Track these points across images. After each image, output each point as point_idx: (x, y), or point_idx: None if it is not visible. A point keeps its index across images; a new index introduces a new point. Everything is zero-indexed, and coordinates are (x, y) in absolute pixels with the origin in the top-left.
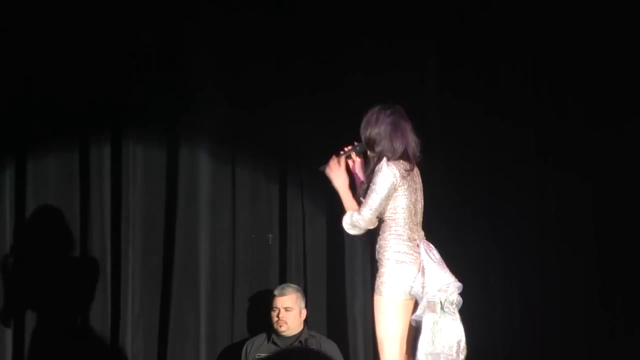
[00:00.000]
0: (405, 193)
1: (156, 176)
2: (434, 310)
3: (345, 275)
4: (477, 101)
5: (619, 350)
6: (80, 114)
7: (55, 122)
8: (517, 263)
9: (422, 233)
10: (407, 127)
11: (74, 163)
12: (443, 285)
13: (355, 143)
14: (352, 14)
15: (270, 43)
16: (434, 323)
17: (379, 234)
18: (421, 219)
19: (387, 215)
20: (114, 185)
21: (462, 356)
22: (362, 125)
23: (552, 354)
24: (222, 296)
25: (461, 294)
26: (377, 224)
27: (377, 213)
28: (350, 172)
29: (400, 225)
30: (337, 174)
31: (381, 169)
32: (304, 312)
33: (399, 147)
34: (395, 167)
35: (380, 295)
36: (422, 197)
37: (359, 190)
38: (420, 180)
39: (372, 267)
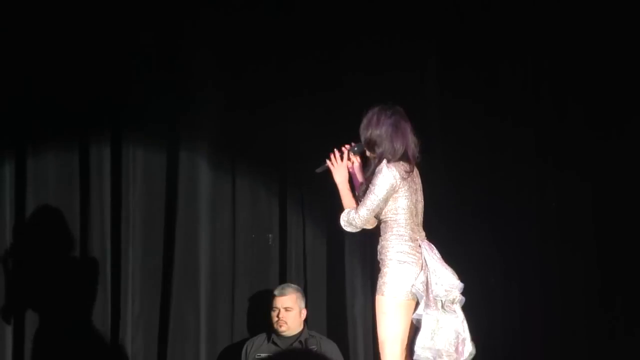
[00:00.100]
0: (406, 194)
1: (156, 176)
2: (436, 308)
3: (345, 275)
4: (477, 101)
5: (619, 350)
6: (80, 114)
7: (55, 122)
8: (517, 263)
9: (423, 233)
10: (408, 128)
11: (74, 163)
12: (448, 286)
13: (353, 144)
14: (352, 14)
15: (270, 43)
16: (434, 321)
17: (380, 235)
18: (422, 220)
19: (389, 216)
20: (114, 185)
21: (467, 354)
22: (362, 125)
23: (552, 354)
24: (222, 296)
25: (462, 294)
26: (375, 224)
27: (374, 213)
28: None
29: (402, 226)
30: (338, 170)
31: (381, 170)
32: (304, 312)
33: (399, 148)
34: (395, 169)
35: (382, 295)
36: (423, 198)
37: (358, 191)
38: (420, 181)
39: (372, 267)
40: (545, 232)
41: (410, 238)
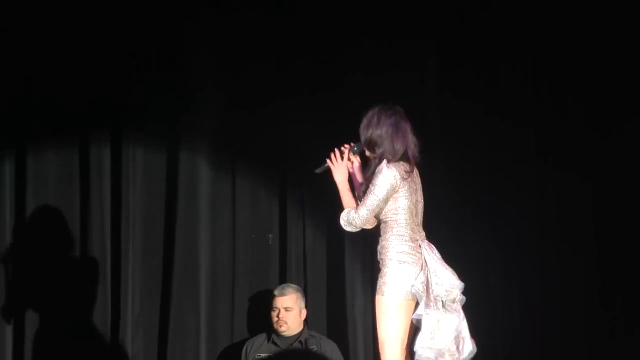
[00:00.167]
0: (406, 194)
1: (156, 176)
2: (436, 308)
3: (345, 275)
4: (477, 101)
5: (619, 350)
6: (80, 114)
7: (55, 122)
8: (517, 263)
9: (423, 233)
10: (408, 129)
11: (74, 163)
12: (448, 286)
13: (352, 144)
14: (352, 14)
15: (270, 43)
16: (435, 321)
17: (380, 235)
18: (422, 220)
19: (389, 216)
20: (114, 185)
21: (467, 353)
22: (362, 126)
23: (552, 353)
24: (222, 296)
25: (462, 293)
26: (374, 224)
27: (373, 213)
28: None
29: (402, 226)
30: (338, 169)
31: (381, 170)
32: (304, 312)
33: (399, 148)
34: (395, 169)
35: (382, 295)
36: (422, 198)
37: (358, 191)
38: (420, 181)
39: (372, 267)
40: (545, 232)
41: (411, 238)
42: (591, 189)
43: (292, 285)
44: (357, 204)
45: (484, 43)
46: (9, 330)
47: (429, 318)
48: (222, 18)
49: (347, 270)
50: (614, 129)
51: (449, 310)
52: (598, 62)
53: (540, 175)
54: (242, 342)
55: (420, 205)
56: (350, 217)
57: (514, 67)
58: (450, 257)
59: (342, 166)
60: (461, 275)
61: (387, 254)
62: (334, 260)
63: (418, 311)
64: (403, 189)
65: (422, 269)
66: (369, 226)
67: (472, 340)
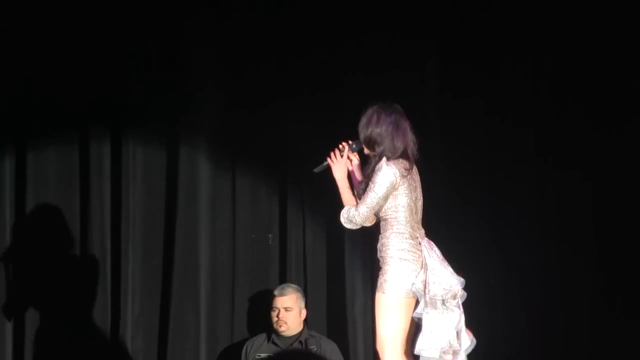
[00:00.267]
0: (406, 192)
1: (156, 176)
2: (435, 307)
3: (345, 275)
4: (477, 101)
5: (621, 349)
6: (80, 114)
7: (56, 122)
8: (517, 263)
9: (422, 231)
10: (407, 127)
11: (74, 163)
12: (446, 285)
13: (350, 142)
14: (351, 14)
15: (270, 43)
16: (435, 320)
17: (380, 233)
18: (421, 217)
19: (389, 214)
20: (114, 185)
21: (464, 346)
22: (362, 124)
23: (553, 353)
24: (222, 296)
25: (463, 289)
26: (374, 221)
27: (373, 211)
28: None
29: (402, 224)
30: (337, 166)
31: (381, 168)
32: (304, 312)
33: (399, 146)
34: (395, 167)
35: (383, 293)
36: (422, 195)
37: (358, 189)
38: (419, 179)
39: (372, 267)
40: (545, 232)
41: (411, 236)
42: (591, 189)
43: (292, 285)
44: (357, 202)
45: (484, 43)
46: (9, 329)
47: (429, 317)
48: (222, 18)
49: (347, 270)
50: (614, 129)
51: (449, 308)
52: (598, 62)
53: (540, 174)
54: (242, 342)
55: (420, 203)
56: (350, 214)
57: (514, 67)
58: (450, 257)
59: (341, 164)
60: (461, 275)
61: (388, 251)
62: (334, 259)
63: (418, 310)
64: (403, 187)
65: (422, 267)
66: (368, 224)
67: (469, 332)
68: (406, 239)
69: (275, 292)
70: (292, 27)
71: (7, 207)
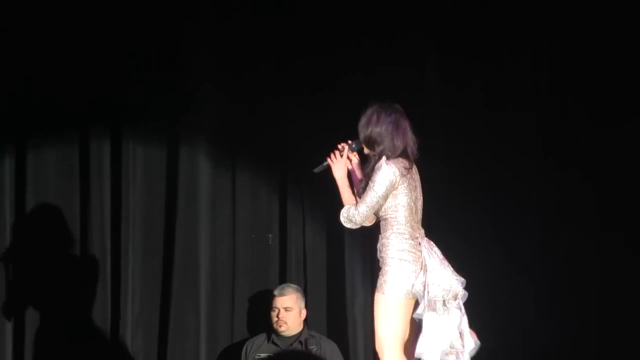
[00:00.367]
0: (406, 191)
1: (156, 176)
2: (434, 309)
3: (345, 275)
4: (478, 95)
5: (624, 349)
6: (80, 114)
7: (55, 122)
8: (520, 258)
9: (422, 231)
10: (407, 126)
11: (74, 163)
12: (446, 285)
13: (350, 141)
14: (351, 13)
15: (270, 43)
16: (435, 321)
17: (380, 233)
18: (421, 217)
19: (389, 213)
20: (114, 185)
21: (468, 348)
22: (362, 123)
23: (553, 353)
24: (222, 296)
25: (465, 288)
26: (374, 221)
27: (373, 210)
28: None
29: (402, 224)
30: (337, 166)
31: (381, 167)
32: (304, 312)
33: (399, 145)
34: (395, 166)
35: (383, 293)
36: (422, 195)
37: (357, 188)
38: (419, 178)
39: (372, 267)
40: (548, 228)
41: (411, 236)
42: (593, 183)
43: (292, 285)
44: (357, 201)
45: (486, 38)
46: (9, 329)
47: (429, 320)
48: (222, 18)
49: (347, 270)
50: (616, 129)
51: (449, 309)
52: (600, 60)
53: (542, 168)
54: (242, 342)
55: (420, 203)
56: (350, 213)
57: (516, 60)
58: (452, 254)
59: (341, 163)
60: (463, 272)
61: (388, 252)
62: (333, 259)
63: (418, 310)
64: (402, 186)
65: (422, 268)
66: (368, 223)
67: (473, 333)
68: (406, 239)
69: (275, 292)
70: (292, 27)
71: (7, 207)
